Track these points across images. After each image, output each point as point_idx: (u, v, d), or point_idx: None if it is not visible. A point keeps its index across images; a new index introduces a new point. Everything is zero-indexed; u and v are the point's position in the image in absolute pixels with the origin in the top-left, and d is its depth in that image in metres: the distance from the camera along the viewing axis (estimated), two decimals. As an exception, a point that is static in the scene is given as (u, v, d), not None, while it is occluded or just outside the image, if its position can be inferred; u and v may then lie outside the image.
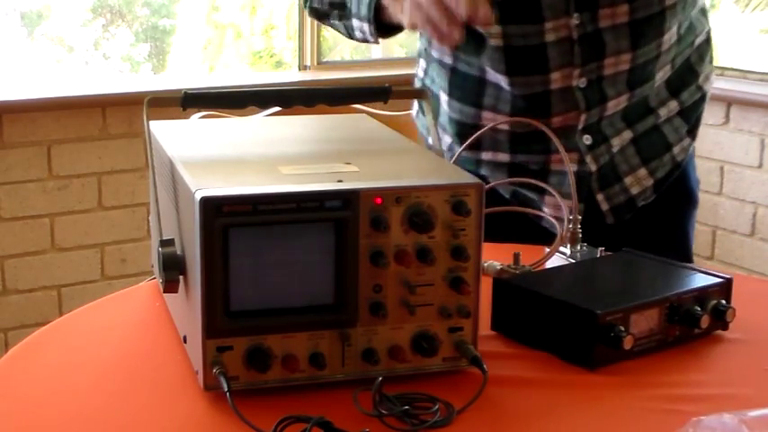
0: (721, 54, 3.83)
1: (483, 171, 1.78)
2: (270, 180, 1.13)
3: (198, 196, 1.06)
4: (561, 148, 1.55)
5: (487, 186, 1.24)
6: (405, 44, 3.91)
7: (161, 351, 1.23)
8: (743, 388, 1.17)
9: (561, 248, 1.49)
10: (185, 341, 1.19)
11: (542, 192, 1.73)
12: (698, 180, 1.91)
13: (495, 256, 1.50)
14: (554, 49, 1.64)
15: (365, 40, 1.73)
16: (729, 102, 3.34)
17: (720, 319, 1.28)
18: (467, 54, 1.72)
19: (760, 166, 3.27)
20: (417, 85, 1.89)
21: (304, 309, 1.11)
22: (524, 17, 1.63)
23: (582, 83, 1.67)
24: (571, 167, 1.63)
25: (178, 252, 1.16)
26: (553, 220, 1.61)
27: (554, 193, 1.57)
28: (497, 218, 1.45)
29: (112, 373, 1.19)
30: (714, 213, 3.43)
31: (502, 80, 1.69)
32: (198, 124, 1.58)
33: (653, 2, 1.64)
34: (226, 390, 1.06)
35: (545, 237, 1.60)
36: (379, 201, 1.10)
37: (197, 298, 1.08)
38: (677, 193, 1.83)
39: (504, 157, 1.76)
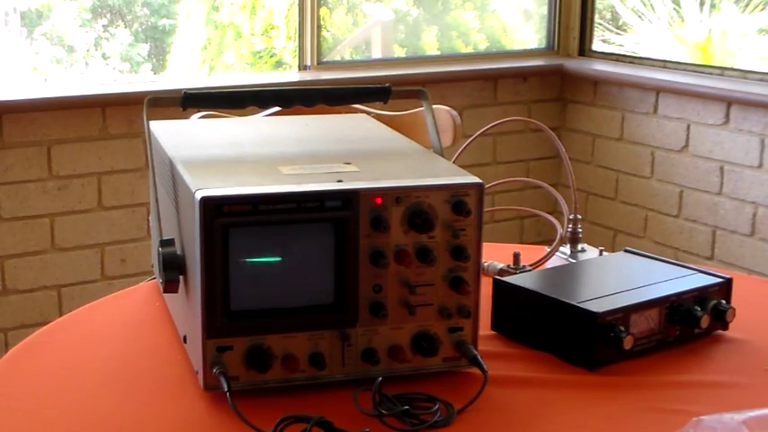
0: (721, 54, 3.82)
1: None
2: (270, 180, 1.13)
3: (198, 196, 1.06)
4: (561, 149, 1.55)
5: (487, 186, 1.24)
6: (405, 44, 3.90)
7: (161, 351, 1.23)
8: (743, 388, 1.17)
9: (561, 248, 1.49)
10: (185, 341, 1.19)
11: None
12: None
13: (495, 256, 1.50)
14: None
15: None
16: (729, 102, 3.33)
17: (720, 319, 1.28)
18: None
19: (760, 166, 3.26)
20: None
21: (304, 309, 1.11)
22: None
23: None
24: (570, 167, 1.63)
25: (178, 252, 1.16)
26: (553, 220, 1.61)
27: (554, 192, 1.57)
28: None
29: (112, 372, 1.19)
30: (714, 213, 3.43)
31: None
32: (198, 124, 1.57)
33: None
34: (226, 390, 1.05)
35: None
36: (379, 201, 1.10)
37: (197, 298, 1.08)
38: None
39: None
